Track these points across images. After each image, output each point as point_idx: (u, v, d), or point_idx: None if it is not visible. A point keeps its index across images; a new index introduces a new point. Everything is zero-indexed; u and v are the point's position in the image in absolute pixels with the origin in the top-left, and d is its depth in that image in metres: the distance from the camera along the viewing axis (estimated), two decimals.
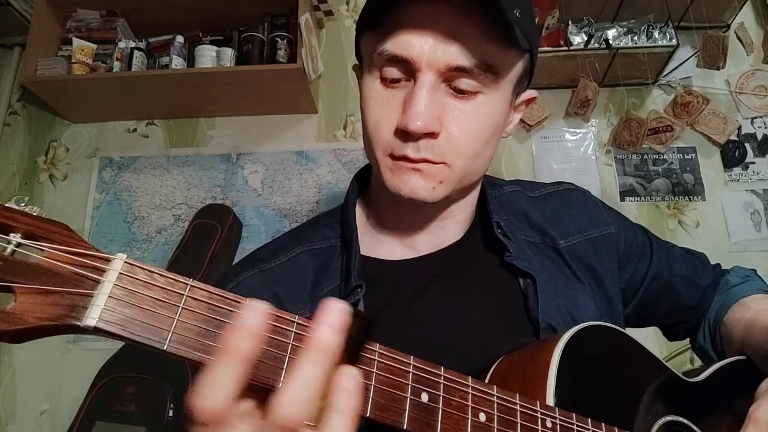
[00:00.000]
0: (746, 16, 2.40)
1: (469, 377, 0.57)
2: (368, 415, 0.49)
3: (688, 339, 1.07)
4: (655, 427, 0.73)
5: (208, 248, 2.17)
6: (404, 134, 0.70)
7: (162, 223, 2.39)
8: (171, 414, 1.92)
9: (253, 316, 0.43)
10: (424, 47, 0.68)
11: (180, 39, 2.35)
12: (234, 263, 2.03)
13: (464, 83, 0.70)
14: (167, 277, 0.45)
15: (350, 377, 0.45)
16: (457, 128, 0.71)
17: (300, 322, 0.48)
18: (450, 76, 0.69)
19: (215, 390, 0.41)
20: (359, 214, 0.90)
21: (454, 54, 0.67)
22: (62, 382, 2.20)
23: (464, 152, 0.73)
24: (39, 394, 2.20)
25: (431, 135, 0.70)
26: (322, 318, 0.44)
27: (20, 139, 2.59)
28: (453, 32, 0.67)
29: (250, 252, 0.92)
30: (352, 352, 0.47)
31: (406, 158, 0.72)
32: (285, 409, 0.42)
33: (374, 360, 0.51)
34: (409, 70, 0.70)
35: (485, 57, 0.68)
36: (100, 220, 2.40)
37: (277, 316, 0.47)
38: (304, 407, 0.42)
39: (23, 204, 0.44)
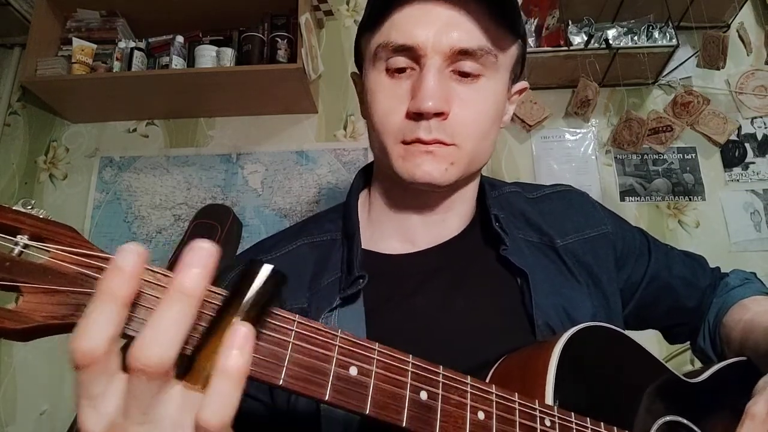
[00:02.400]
0: (746, 16, 2.40)
1: (468, 376, 0.57)
2: (367, 412, 0.49)
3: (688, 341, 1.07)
4: (655, 426, 0.73)
5: None
6: (416, 116, 0.74)
7: (162, 223, 2.39)
8: None
9: (128, 257, 0.41)
10: (429, 33, 0.72)
11: (180, 39, 2.35)
12: (238, 254, 2.04)
13: (468, 66, 0.75)
14: (170, 277, 0.45)
15: (239, 334, 0.42)
16: (465, 109, 0.75)
17: (300, 321, 0.49)
18: (454, 59, 0.74)
19: (90, 331, 0.39)
20: (361, 209, 0.91)
21: (456, 38, 0.73)
22: (62, 382, 2.20)
23: (473, 133, 0.76)
24: (39, 394, 2.19)
25: (441, 115, 0.74)
26: (184, 257, 0.42)
27: (20, 139, 2.58)
28: (455, 19, 0.73)
29: (251, 244, 0.95)
30: (255, 310, 0.44)
31: (419, 140, 0.74)
32: (142, 351, 0.40)
33: (373, 358, 0.52)
34: (415, 57, 0.74)
35: (486, 40, 0.74)
36: (100, 220, 2.40)
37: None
38: (163, 352, 0.40)
39: (30, 207, 0.45)
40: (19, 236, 0.43)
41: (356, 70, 0.91)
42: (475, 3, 0.73)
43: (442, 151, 0.75)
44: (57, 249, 0.43)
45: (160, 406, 0.42)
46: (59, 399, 2.18)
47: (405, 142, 0.76)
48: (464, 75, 0.75)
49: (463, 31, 0.73)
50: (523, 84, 0.89)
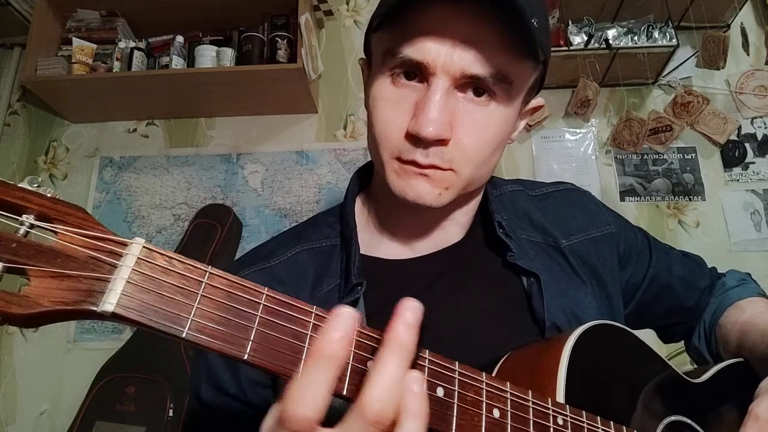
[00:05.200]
0: (746, 16, 2.41)
1: (483, 373, 0.56)
2: None
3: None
4: (661, 426, 0.73)
5: (208, 248, 2.17)
6: (415, 139, 0.69)
7: (162, 223, 2.39)
8: (171, 414, 1.92)
9: (347, 322, 0.43)
10: (441, 52, 0.66)
11: (180, 39, 2.35)
12: (236, 258, 2.03)
13: (477, 91, 0.69)
14: (186, 263, 0.44)
15: (418, 380, 0.44)
16: (467, 135, 0.70)
17: (318, 313, 0.48)
18: (464, 83, 0.68)
19: (314, 395, 0.40)
20: (359, 213, 0.89)
21: (469, 61, 0.66)
22: (62, 382, 2.19)
23: (472, 159, 0.72)
24: (39, 394, 2.19)
25: (441, 142, 0.69)
26: (399, 315, 0.44)
27: (20, 139, 2.58)
28: (470, 39, 0.66)
29: (248, 251, 0.92)
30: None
31: (414, 163, 0.71)
32: (376, 404, 0.41)
33: None
34: (423, 73, 0.69)
35: (501, 67, 0.67)
36: (100, 220, 2.28)
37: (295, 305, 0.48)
38: (391, 404, 0.42)
39: (36, 185, 0.42)
40: (24, 215, 0.41)
41: (364, 56, 0.84)
42: (500, 23, 0.65)
43: (437, 175, 0.71)
44: (66, 230, 0.42)
45: None
46: (59, 399, 2.17)
47: (401, 160, 0.72)
48: (475, 94, 0.70)
49: (480, 52, 0.66)
50: (539, 101, 0.84)
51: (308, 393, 0.40)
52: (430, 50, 0.66)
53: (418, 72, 0.69)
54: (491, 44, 0.66)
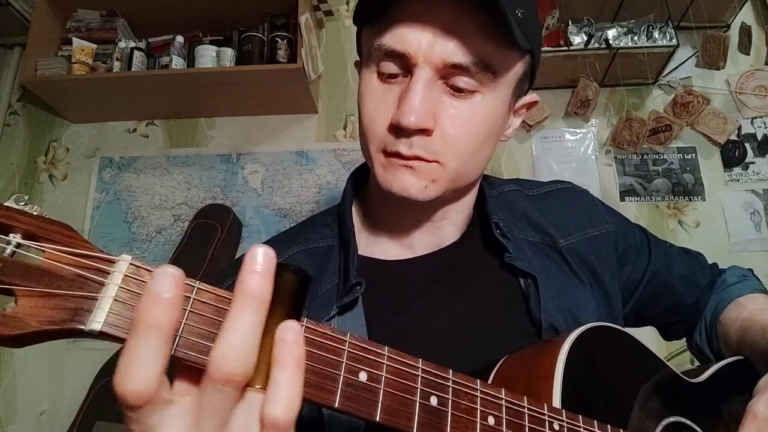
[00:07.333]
0: (746, 16, 2.40)
1: (478, 380, 0.56)
2: (378, 419, 0.48)
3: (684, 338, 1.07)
4: (659, 428, 0.73)
5: (208, 248, 2.17)
6: (397, 130, 0.69)
7: (162, 223, 2.39)
8: None
9: (166, 282, 0.38)
10: (422, 42, 0.67)
11: (180, 39, 2.35)
12: (236, 257, 2.02)
13: (461, 81, 0.69)
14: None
15: (289, 329, 0.41)
16: (452, 126, 0.70)
17: (308, 326, 0.47)
18: (447, 73, 0.68)
19: (140, 369, 0.37)
20: (356, 213, 0.89)
21: (451, 50, 0.66)
22: (62, 382, 2.20)
23: (458, 151, 0.72)
24: (39, 394, 2.20)
25: (425, 132, 0.69)
26: (246, 264, 0.41)
27: (20, 139, 2.59)
28: (451, 28, 0.66)
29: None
30: (291, 309, 0.44)
31: (398, 155, 0.71)
32: (222, 361, 0.39)
33: (383, 363, 0.50)
34: (406, 65, 0.69)
35: (483, 55, 0.68)
36: (100, 220, 2.40)
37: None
38: (243, 360, 0.39)
39: (23, 203, 0.42)
40: (11, 235, 0.40)
41: (358, 58, 0.83)
42: (476, 11, 0.65)
43: (422, 167, 0.71)
44: (53, 249, 0.41)
45: (233, 414, 0.41)
46: (59, 399, 2.18)
47: (386, 153, 0.72)
48: (457, 90, 0.69)
49: (461, 41, 0.66)
50: (532, 97, 0.83)
51: (136, 367, 0.37)
52: (411, 40, 0.67)
53: (402, 65, 0.69)
54: (472, 33, 0.67)
